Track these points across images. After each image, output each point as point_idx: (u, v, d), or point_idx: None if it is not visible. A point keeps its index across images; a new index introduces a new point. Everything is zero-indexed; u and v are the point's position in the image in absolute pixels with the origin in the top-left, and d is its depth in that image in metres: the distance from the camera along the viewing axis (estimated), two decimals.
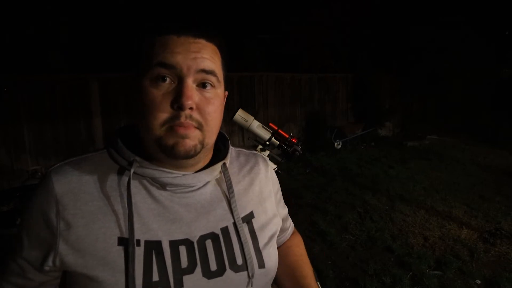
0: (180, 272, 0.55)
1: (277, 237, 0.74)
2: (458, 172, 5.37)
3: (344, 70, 8.27)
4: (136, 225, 0.55)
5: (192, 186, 0.61)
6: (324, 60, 8.09)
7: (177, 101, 0.53)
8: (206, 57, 0.57)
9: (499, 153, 6.58)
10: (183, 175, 0.59)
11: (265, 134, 2.05)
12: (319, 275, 2.54)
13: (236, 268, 0.59)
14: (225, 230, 0.61)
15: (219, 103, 0.60)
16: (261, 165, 0.74)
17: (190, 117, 0.55)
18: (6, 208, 1.81)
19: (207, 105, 0.57)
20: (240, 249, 0.61)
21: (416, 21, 8.31)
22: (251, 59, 7.30)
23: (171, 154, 0.56)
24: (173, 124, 0.54)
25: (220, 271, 0.58)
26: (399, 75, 8.60)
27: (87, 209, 0.55)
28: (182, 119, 0.54)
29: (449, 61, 8.48)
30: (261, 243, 0.64)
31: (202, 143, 0.57)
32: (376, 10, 8.37)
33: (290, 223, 0.88)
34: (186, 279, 0.55)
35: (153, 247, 0.55)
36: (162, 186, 0.59)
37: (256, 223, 0.66)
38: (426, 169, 5.55)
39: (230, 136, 6.47)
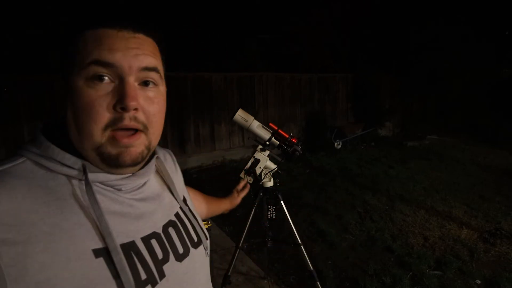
0: (159, 264, 0.56)
1: None
2: (458, 172, 5.37)
3: (344, 70, 8.28)
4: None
5: (141, 183, 0.61)
6: (324, 60, 8.09)
7: (121, 102, 0.49)
8: (147, 53, 0.54)
9: (499, 153, 6.58)
10: (133, 174, 0.58)
11: (265, 134, 2.05)
12: (319, 275, 2.53)
13: (195, 245, 0.66)
14: (177, 215, 0.66)
15: (163, 102, 0.58)
16: (168, 155, 0.80)
17: (135, 118, 0.51)
18: None
19: (151, 105, 0.54)
20: (192, 228, 0.67)
21: (416, 21, 8.32)
22: (251, 59, 7.30)
23: (115, 164, 0.52)
24: (115, 127, 0.50)
25: (186, 252, 0.63)
26: (399, 75, 8.60)
27: (39, 230, 0.45)
28: (126, 121, 0.50)
29: (449, 61, 8.48)
30: (198, 219, 0.72)
31: (148, 148, 0.56)
32: (376, 10, 8.37)
33: None
34: (166, 268, 0.57)
35: (130, 248, 0.53)
36: (116, 188, 0.56)
37: (189, 204, 0.74)
38: (426, 169, 5.55)
39: (230, 136, 6.47)
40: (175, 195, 0.68)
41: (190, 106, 5.88)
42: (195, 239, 0.66)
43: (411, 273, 2.65)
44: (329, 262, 2.85)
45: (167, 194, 0.67)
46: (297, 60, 7.96)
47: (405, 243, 3.11)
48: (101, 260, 0.49)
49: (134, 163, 0.54)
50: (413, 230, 3.37)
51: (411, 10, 8.48)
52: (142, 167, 0.61)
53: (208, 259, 0.71)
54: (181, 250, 0.62)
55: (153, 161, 0.64)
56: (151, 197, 0.62)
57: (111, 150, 0.51)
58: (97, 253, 0.49)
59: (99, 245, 0.50)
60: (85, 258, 0.48)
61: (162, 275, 0.56)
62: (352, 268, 2.76)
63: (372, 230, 3.37)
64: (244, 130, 3.71)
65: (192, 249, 0.64)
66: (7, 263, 0.43)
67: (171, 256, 0.59)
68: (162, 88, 0.58)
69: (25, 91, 4.37)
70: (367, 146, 7.54)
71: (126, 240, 0.53)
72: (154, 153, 0.66)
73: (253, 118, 2.03)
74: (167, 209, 0.65)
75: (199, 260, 0.66)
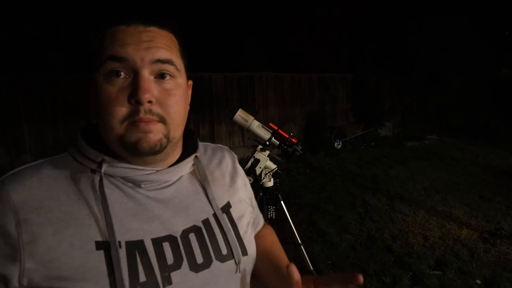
0: (167, 270, 0.53)
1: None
2: (458, 172, 5.37)
3: (344, 70, 8.27)
4: (115, 226, 0.52)
5: (167, 181, 0.59)
6: (324, 60, 8.09)
7: (134, 96, 0.51)
8: (160, 46, 0.54)
9: (499, 153, 6.58)
10: (157, 171, 0.58)
11: (265, 134, 2.05)
12: (319, 275, 2.53)
13: (222, 258, 0.59)
14: (206, 222, 0.61)
15: (181, 94, 0.58)
16: (228, 158, 0.76)
17: (150, 111, 0.52)
18: None
19: (168, 97, 0.55)
20: (224, 239, 0.61)
21: (415, 21, 8.31)
22: (251, 59, 7.30)
23: (135, 151, 0.53)
24: (133, 120, 0.52)
25: (207, 263, 0.58)
26: (399, 75, 8.60)
27: (55, 216, 0.50)
28: (142, 114, 0.51)
29: (449, 61, 8.48)
30: (241, 232, 0.65)
31: (167, 137, 0.55)
32: (376, 10, 8.37)
33: (260, 214, 0.87)
34: (174, 275, 0.54)
35: (136, 247, 0.52)
36: (136, 184, 0.56)
37: (234, 212, 0.67)
38: (426, 169, 5.55)
39: (230, 136, 6.47)
40: (210, 200, 0.63)
41: (190, 106, 5.87)
42: (224, 252, 0.60)
43: (411, 273, 2.65)
44: (329, 262, 2.85)
45: (200, 197, 0.63)
46: (297, 60, 7.95)
47: (405, 243, 3.11)
48: (101, 253, 0.50)
49: (152, 151, 0.54)
50: (413, 230, 3.37)
51: (411, 10, 8.47)
52: (171, 166, 0.60)
53: (239, 276, 0.62)
54: (199, 260, 0.57)
55: (186, 162, 0.62)
56: (176, 199, 0.59)
57: (131, 136, 0.52)
58: (99, 245, 0.51)
59: (102, 238, 0.51)
60: (86, 248, 0.50)
61: (167, 282, 0.53)
62: (352, 268, 2.75)
63: (372, 230, 3.37)
64: (244, 130, 3.71)
65: (215, 262, 0.58)
66: (25, 240, 0.49)
67: (185, 264, 0.55)
68: (181, 80, 0.58)
69: (25, 91, 4.37)
70: (367, 146, 7.54)
71: (135, 238, 0.53)
72: (191, 152, 0.65)
73: (253, 118, 2.03)
74: (194, 213, 0.60)
75: (225, 276, 0.59)
